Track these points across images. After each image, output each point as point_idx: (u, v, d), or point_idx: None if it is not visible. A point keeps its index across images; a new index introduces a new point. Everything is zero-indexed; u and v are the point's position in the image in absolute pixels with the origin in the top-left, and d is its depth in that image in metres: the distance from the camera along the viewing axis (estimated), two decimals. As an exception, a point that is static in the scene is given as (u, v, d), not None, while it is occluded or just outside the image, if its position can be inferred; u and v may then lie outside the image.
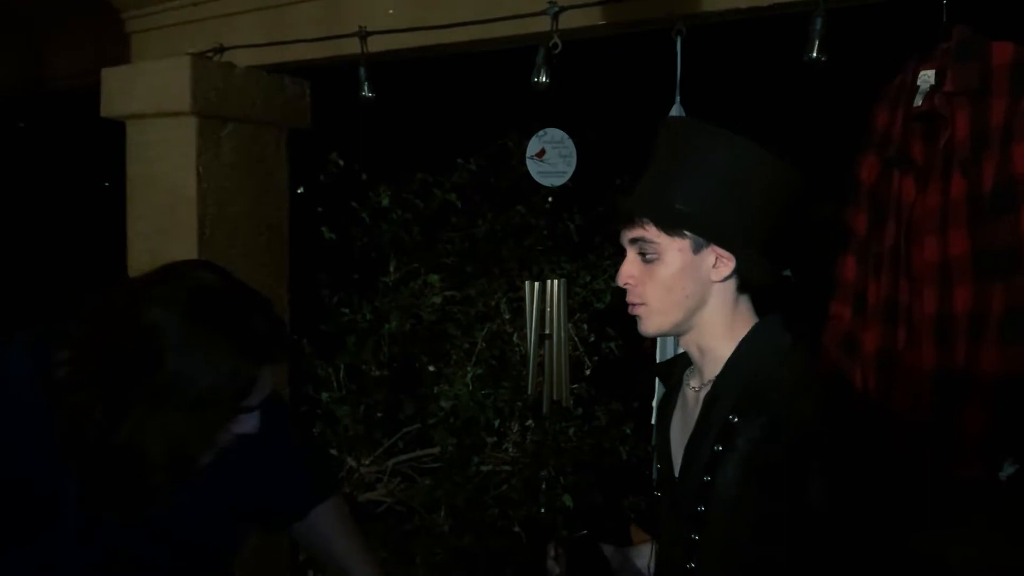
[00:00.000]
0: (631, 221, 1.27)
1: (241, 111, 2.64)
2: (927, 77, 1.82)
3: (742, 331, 1.28)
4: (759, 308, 1.32)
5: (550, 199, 2.97)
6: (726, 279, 1.26)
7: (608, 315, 3.84)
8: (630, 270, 1.28)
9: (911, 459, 1.75)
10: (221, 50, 2.62)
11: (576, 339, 3.74)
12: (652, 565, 1.48)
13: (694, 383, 1.35)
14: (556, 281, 2.66)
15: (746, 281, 1.28)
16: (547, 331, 2.67)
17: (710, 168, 1.23)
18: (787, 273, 1.27)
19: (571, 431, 3.70)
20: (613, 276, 3.77)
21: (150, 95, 2.58)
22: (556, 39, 2.13)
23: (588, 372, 3.82)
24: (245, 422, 1.24)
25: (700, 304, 1.27)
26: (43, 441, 1.19)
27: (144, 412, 1.15)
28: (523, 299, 2.75)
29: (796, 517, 1.14)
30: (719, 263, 1.25)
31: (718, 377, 1.28)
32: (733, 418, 1.22)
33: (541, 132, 2.43)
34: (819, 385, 1.24)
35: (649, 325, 1.29)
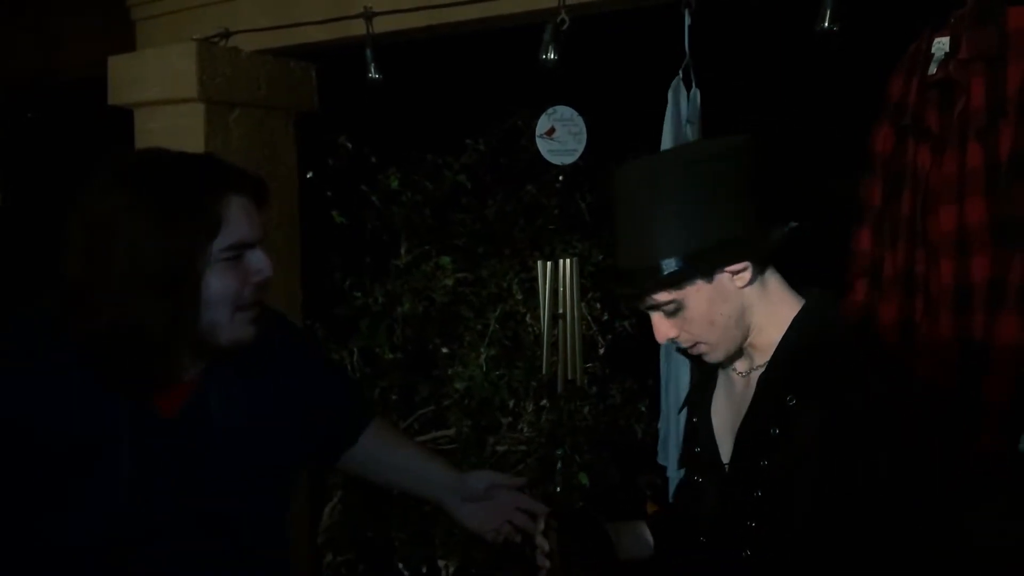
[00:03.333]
0: (639, 299, 1.25)
1: (248, 96, 2.63)
2: (942, 44, 1.79)
3: (788, 313, 1.24)
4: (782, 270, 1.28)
5: (561, 178, 2.96)
6: (752, 281, 1.23)
7: (621, 293, 3.81)
8: (665, 330, 1.26)
9: (935, 433, 1.74)
10: (227, 35, 2.61)
11: (589, 318, 3.74)
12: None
13: (740, 367, 1.31)
14: (568, 260, 2.65)
15: (766, 262, 1.25)
16: (560, 311, 2.67)
17: (672, 201, 1.17)
18: (793, 224, 1.22)
19: (586, 410, 3.70)
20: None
21: (157, 82, 2.57)
22: (564, 15, 2.11)
23: (602, 351, 3.81)
24: (253, 263, 1.24)
25: (744, 312, 1.24)
26: (84, 381, 1.20)
27: (122, 286, 1.16)
28: (535, 279, 2.75)
29: (859, 504, 1.10)
30: (737, 277, 1.22)
31: (772, 359, 1.24)
32: (791, 400, 1.17)
33: (550, 110, 2.42)
34: (880, 369, 1.18)
35: (718, 356, 1.27)
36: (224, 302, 1.22)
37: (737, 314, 1.23)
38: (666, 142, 2.20)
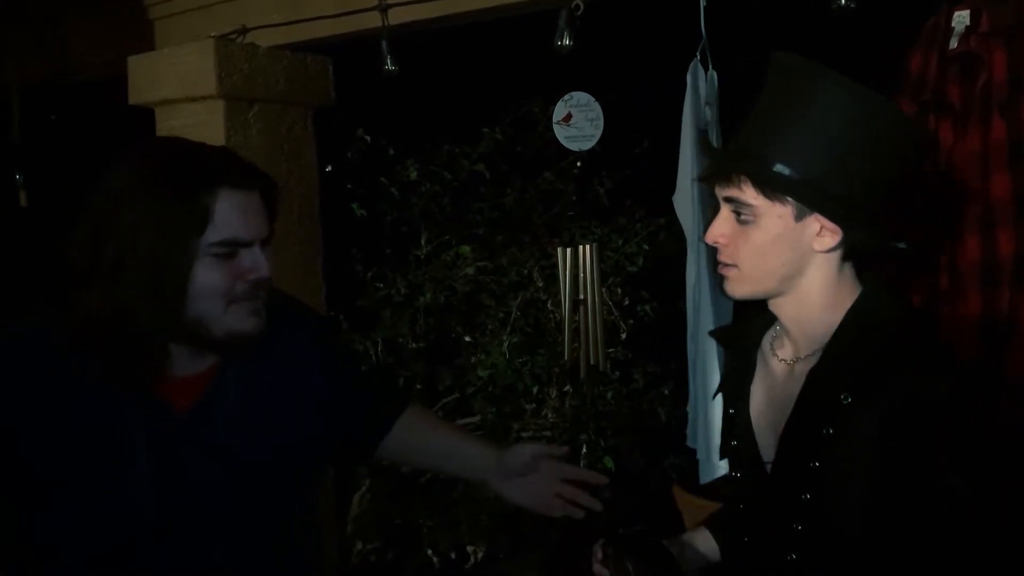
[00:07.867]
0: (727, 178, 1.13)
1: (266, 91, 2.65)
2: (962, 18, 1.78)
3: (846, 299, 1.15)
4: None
5: (578, 164, 2.96)
6: (831, 250, 1.13)
7: (641, 278, 3.83)
8: (722, 229, 1.15)
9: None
10: (244, 31, 2.63)
11: (610, 303, 3.74)
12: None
13: (784, 354, 1.21)
14: (588, 246, 2.66)
15: (854, 251, 1.14)
16: (581, 296, 2.67)
17: (826, 125, 1.08)
18: (902, 245, 1.12)
19: (609, 395, 3.72)
20: (645, 239, 3.77)
21: (176, 81, 2.59)
22: (578, 1, 2.10)
23: (624, 336, 3.82)
24: (247, 263, 1.21)
25: (797, 273, 1.14)
26: (91, 382, 1.20)
27: (112, 274, 1.16)
28: (555, 266, 2.76)
29: (929, 508, 1.04)
30: (824, 233, 1.11)
31: (825, 351, 1.14)
32: (846, 399, 1.08)
33: (567, 96, 2.42)
34: (945, 365, 1.09)
35: (738, 289, 1.17)
36: (213, 296, 1.19)
37: (793, 267, 1.13)
38: (686, 125, 2.19)
